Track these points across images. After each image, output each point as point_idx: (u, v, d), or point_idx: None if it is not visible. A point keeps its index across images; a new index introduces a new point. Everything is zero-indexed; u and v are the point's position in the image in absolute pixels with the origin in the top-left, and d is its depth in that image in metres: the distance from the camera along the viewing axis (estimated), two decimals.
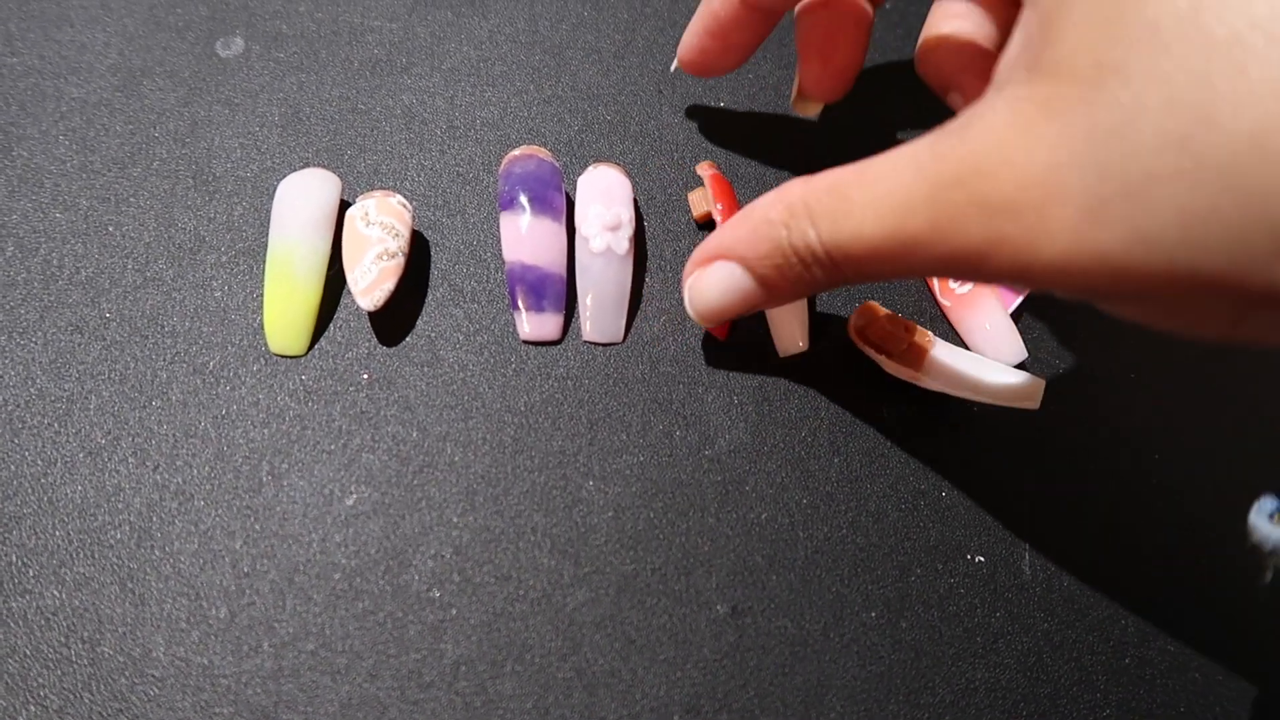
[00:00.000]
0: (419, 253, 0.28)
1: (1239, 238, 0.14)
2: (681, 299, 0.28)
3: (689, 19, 0.33)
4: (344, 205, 0.28)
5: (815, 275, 0.21)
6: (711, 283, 0.23)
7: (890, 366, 0.26)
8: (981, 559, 0.26)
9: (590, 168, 0.28)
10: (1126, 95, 0.15)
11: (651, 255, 0.29)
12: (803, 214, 0.20)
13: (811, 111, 0.30)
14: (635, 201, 0.29)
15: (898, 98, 0.32)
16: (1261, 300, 0.15)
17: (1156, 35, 0.15)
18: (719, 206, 0.27)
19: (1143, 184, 0.15)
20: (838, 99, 0.29)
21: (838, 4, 0.27)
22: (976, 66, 0.25)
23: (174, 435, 0.25)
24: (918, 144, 0.19)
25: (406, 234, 0.26)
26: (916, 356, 0.27)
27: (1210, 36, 0.14)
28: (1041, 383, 0.25)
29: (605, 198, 0.27)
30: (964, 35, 0.25)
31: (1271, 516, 0.20)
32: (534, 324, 0.27)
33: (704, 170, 0.29)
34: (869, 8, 0.28)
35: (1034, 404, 0.25)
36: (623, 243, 0.27)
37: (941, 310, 0.29)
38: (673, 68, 0.30)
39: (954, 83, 0.25)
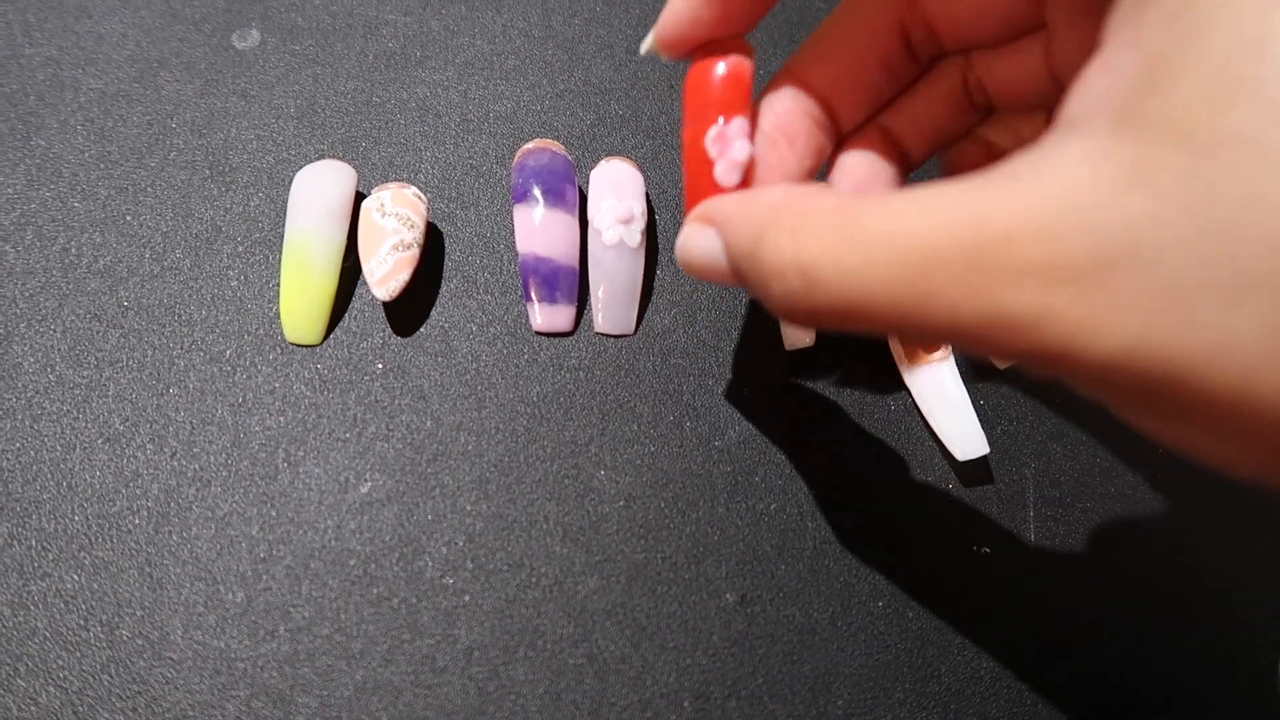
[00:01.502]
0: (433, 244, 0.29)
1: None
2: (691, 292, 0.29)
3: None
4: (359, 197, 0.28)
5: (778, 302, 0.18)
6: (696, 245, 0.21)
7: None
8: (987, 550, 0.26)
9: (603, 161, 0.28)
10: (1246, 177, 0.13)
11: (663, 248, 0.29)
12: (788, 228, 0.17)
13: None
14: (647, 195, 0.29)
15: None
16: None
17: None
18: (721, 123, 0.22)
19: (1249, 288, 0.13)
20: None
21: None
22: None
23: (191, 422, 0.26)
24: (952, 185, 0.16)
25: (421, 225, 0.27)
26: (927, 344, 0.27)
27: None
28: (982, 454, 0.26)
29: (618, 191, 0.28)
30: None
31: None
32: (546, 315, 0.27)
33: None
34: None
35: (959, 456, 0.26)
36: (635, 236, 0.27)
37: None
38: (644, 47, 0.22)
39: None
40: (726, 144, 0.22)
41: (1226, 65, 0.13)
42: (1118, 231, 0.14)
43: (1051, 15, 0.21)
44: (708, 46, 0.22)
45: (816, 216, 0.17)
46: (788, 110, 0.22)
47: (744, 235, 0.19)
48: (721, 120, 0.21)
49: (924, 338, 0.16)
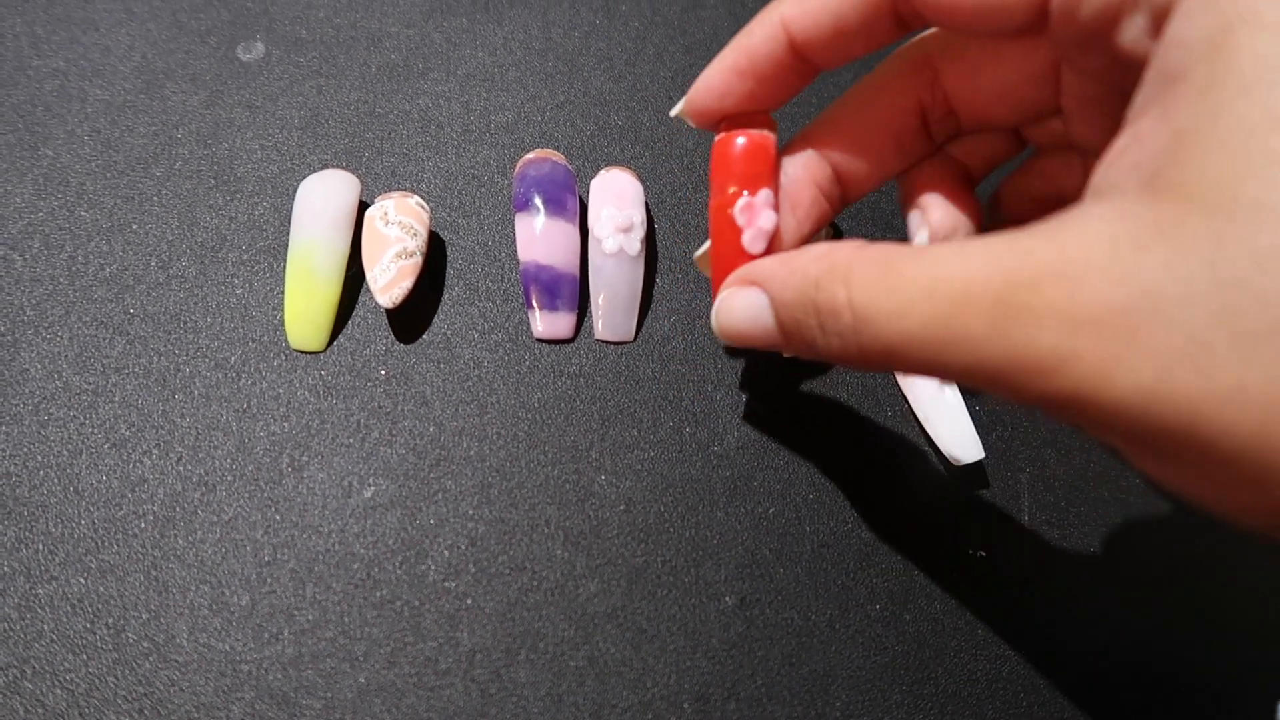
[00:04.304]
0: (435, 252, 0.29)
1: None
2: (690, 300, 0.29)
3: (700, 27, 0.34)
4: (363, 206, 0.28)
5: (830, 344, 0.19)
6: (739, 306, 0.22)
7: None
8: (983, 554, 0.26)
9: (603, 171, 0.29)
10: (1265, 239, 0.14)
11: (662, 256, 0.30)
12: (840, 277, 0.18)
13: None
14: (646, 204, 0.30)
15: None
16: None
17: None
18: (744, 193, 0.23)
19: (1261, 338, 0.14)
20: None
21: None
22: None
23: (196, 428, 0.26)
24: (990, 237, 0.17)
25: (424, 234, 0.27)
26: None
27: None
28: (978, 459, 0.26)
29: (618, 200, 0.28)
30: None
31: None
32: (547, 322, 0.28)
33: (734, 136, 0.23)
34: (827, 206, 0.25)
35: (955, 461, 0.26)
36: (635, 244, 0.28)
37: None
38: (674, 111, 0.24)
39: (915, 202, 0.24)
40: (754, 214, 0.23)
41: (1248, 139, 0.14)
42: (1140, 281, 0.14)
43: (1067, 104, 0.22)
44: (733, 119, 0.23)
45: (864, 265, 0.18)
46: (797, 178, 0.23)
47: (794, 286, 0.20)
48: (747, 193, 0.23)
49: (955, 377, 0.17)
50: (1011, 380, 0.16)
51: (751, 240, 0.23)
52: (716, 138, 0.24)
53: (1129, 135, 0.17)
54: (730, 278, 0.23)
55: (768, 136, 0.23)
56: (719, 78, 0.23)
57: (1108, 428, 0.16)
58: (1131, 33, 0.17)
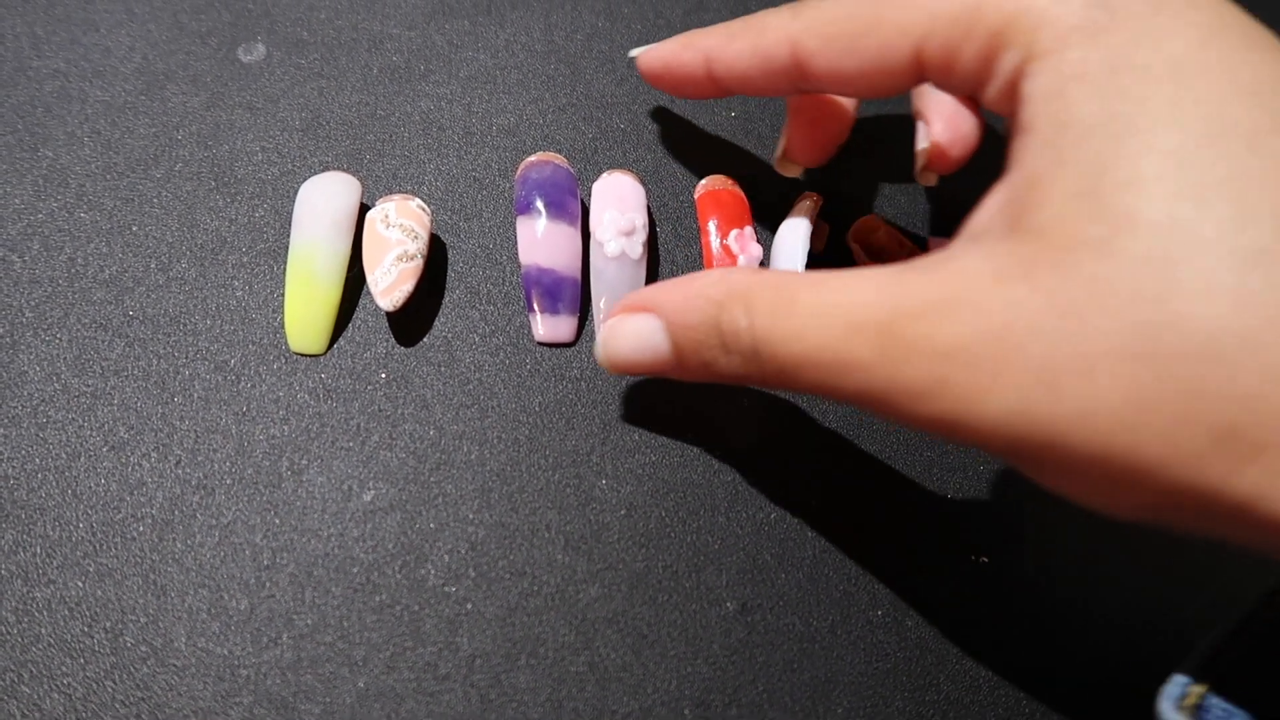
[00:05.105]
0: (436, 255, 0.29)
1: (1178, 431, 0.15)
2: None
3: None
4: (364, 208, 0.28)
5: (731, 364, 0.20)
6: (628, 332, 0.23)
7: None
8: (985, 559, 0.26)
9: (605, 174, 0.29)
10: (1096, 272, 0.16)
11: (664, 260, 0.30)
12: (740, 300, 0.20)
13: (793, 173, 0.30)
14: (649, 208, 0.29)
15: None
16: (1184, 496, 0.15)
17: (1133, 223, 0.16)
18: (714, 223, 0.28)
19: (1097, 361, 0.15)
20: (819, 165, 0.29)
21: (823, 103, 0.28)
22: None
23: (195, 431, 0.26)
24: (883, 269, 0.19)
25: (425, 237, 0.27)
26: None
27: (1183, 235, 0.15)
28: None
29: (620, 203, 0.28)
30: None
31: (1177, 703, 0.20)
32: (549, 326, 0.28)
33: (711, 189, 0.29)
34: (851, 108, 0.28)
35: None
36: (637, 247, 0.28)
37: None
38: (631, 53, 0.29)
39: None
40: (746, 242, 0.28)
41: (1085, 184, 0.16)
42: (999, 315, 0.16)
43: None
44: (709, 182, 0.29)
45: (762, 290, 0.20)
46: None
47: (696, 309, 0.21)
48: (735, 232, 0.28)
49: (846, 399, 0.19)
50: (894, 404, 0.18)
51: (747, 264, 0.27)
52: (698, 195, 0.29)
53: (1001, 182, 0.19)
54: (617, 306, 0.24)
55: (741, 191, 0.29)
56: (662, 55, 0.27)
57: (982, 446, 0.17)
58: (993, 93, 0.20)
